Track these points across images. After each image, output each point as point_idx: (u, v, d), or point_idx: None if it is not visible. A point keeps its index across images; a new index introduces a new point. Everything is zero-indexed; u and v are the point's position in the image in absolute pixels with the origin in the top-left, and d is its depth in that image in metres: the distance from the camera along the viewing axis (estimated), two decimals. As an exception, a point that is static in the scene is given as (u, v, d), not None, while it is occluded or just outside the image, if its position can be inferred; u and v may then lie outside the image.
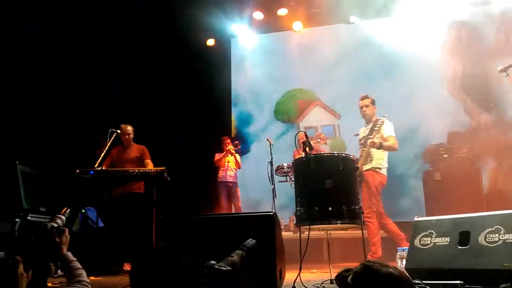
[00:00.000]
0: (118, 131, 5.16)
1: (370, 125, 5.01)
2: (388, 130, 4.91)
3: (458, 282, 2.59)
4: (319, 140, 6.37)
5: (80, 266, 2.02)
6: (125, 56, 7.47)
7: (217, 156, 6.80)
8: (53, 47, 6.77)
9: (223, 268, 1.57)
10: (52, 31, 6.52)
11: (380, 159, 4.91)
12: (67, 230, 2.09)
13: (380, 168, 4.91)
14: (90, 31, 6.96)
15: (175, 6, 7.22)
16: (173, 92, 7.53)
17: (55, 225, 2.07)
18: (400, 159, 6.98)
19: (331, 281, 3.24)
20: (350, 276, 1.46)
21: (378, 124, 4.87)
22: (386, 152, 4.98)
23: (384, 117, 4.96)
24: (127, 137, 5.33)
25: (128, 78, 7.30)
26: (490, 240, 2.66)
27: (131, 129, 5.40)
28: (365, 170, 4.88)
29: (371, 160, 4.91)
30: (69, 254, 2.05)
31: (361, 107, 5.14)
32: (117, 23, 7.08)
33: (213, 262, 1.61)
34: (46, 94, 6.77)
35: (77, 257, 2.10)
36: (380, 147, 4.78)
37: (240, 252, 1.89)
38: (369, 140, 4.75)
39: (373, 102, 5.12)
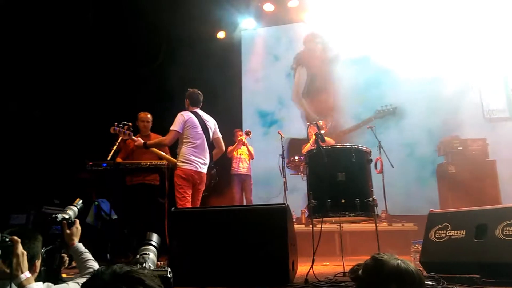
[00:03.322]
0: (130, 123, 5.15)
1: None
2: (172, 124, 4.43)
3: (475, 275, 2.54)
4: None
5: (91, 258, 2.02)
6: (134, 51, 7.48)
7: (229, 148, 6.77)
8: (61, 42, 6.79)
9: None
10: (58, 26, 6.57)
11: (180, 155, 4.39)
12: (77, 221, 2.10)
13: (179, 162, 4.35)
14: (95, 27, 6.97)
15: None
16: (184, 85, 7.51)
17: (66, 216, 2.07)
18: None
19: (344, 274, 3.21)
20: (361, 269, 1.48)
21: None
22: (183, 145, 4.39)
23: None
24: (146, 123, 5.26)
25: (140, 71, 7.33)
26: (508, 233, 2.60)
27: (150, 116, 5.34)
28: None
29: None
30: (80, 245, 2.06)
31: None
32: (124, 18, 7.09)
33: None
34: (61, 86, 6.82)
35: (90, 248, 2.10)
36: (145, 146, 4.45)
37: (154, 250, 1.80)
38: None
39: (186, 97, 4.65)
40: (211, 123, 4.68)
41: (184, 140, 4.41)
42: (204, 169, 4.45)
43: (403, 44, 7.19)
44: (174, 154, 4.73)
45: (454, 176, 5.87)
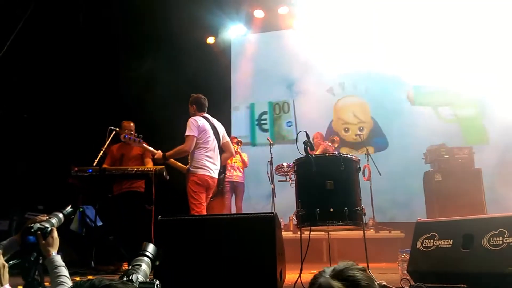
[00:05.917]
0: (117, 129, 5.08)
1: None
2: (186, 130, 4.30)
3: (461, 285, 2.56)
4: (329, 144, 6.21)
5: (65, 274, 1.84)
6: (125, 54, 7.41)
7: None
8: (53, 44, 6.70)
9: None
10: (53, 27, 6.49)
11: (193, 160, 4.30)
12: (54, 230, 1.94)
13: (192, 168, 4.27)
14: (89, 28, 6.91)
15: (176, 3, 7.18)
16: (172, 90, 7.48)
17: (46, 225, 1.92)
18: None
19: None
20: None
21: None
22: (196, 150, 4.29)
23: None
24: (129, 132, 5.17)
25: (128, 76, 7.26)
26: (494, 243, 2.63)
27: (133, 125, 5.24)
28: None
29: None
30: (57, 258, 1.88)
31: None
32: (117, 20, 7.03)
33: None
34: (46, 92, 6.72)
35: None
36: (164, 159, 4.32)
37: (148, 261, 1.72)
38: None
39: (191, 102, 4.54)
40: (220, 127, 4.59)
41: (197, 146, 4.29)
42: (216, 174, 4.37)
43: (394, 51, 7.27)
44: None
45: (441, 184, 5.92)
